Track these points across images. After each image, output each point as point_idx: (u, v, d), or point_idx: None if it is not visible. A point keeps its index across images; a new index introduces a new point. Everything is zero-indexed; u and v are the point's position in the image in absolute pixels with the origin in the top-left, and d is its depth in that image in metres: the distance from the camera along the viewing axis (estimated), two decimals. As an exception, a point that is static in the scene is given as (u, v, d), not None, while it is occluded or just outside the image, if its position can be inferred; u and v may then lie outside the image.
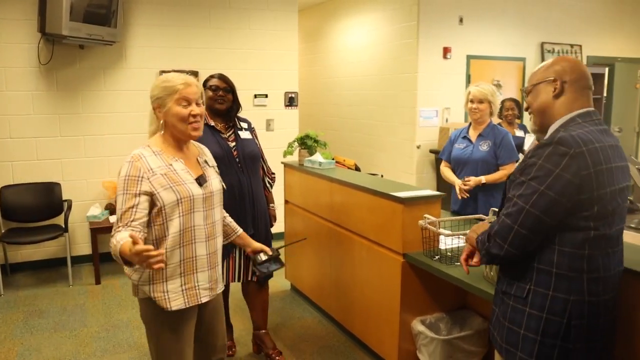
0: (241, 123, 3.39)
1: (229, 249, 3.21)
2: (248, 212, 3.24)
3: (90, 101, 5.35)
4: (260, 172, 3.46)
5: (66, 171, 5.32)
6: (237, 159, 3.23)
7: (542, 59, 7.39)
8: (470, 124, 3.93)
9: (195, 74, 5.68)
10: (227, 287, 3.45)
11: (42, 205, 5.11)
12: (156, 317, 2.18)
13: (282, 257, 2.70)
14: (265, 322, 3.62)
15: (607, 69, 8.12)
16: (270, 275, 3.02)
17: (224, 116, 3.31)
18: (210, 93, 3.25)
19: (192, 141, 2.32)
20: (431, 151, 6.63)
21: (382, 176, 4.88)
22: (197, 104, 2.18)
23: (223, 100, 3.26)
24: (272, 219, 3.54)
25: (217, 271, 2.31)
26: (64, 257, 5.07)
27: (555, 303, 1.71)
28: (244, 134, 3.34)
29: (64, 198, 5.22)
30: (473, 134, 3.84)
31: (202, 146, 2.45)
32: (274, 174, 3.61)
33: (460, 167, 3.85)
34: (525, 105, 1.97)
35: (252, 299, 3.54)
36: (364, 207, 3.43)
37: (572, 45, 7.60)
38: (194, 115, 2.15)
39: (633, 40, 8.26)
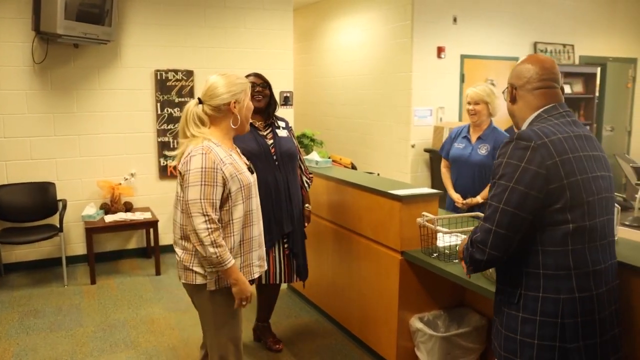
0: (279, 122, 3.42)
1: (267, 247, 3.20)
2: (284, 209, 3.26)
3: (84, 100, 5.33)
4: (298, 171, 3.46)
5: (61, 171, 5.29)
6: (275, 157, 3.26)
7: (535, 59, 7.42)
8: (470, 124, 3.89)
9: (190, 73, 5.68)
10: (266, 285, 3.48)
11: (37, 205, 5.09)
12: (225, 296, 2.35)
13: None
14: (269, 315, 3.72)
15: (599, 69, 8.17)
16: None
17: (262, 114, 3.34)
18: None
19: None
20: (426, 150, 6.65)
21: (378, 175, 4.89)
22: None
23: (261, 97, 3.30)
24: (306, 219, 3.53)
25: (263, 251, 2.54)
26: (59, 257, 5.04)
27: (546, 304, 1.70)
28: (282, 132, 3.37)
29: (58, 198, 5.19)
30: (473, 135, 3.80)
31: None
32: (311, 174, 3.61)
33: (458, 166, 3.84)
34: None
35: (266, 293, 3.60)
36: (362, 206, 3.44)
37: (564, 45, 7.65)
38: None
39: (625, 40, 8.33)
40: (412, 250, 3.04)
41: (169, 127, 5.65)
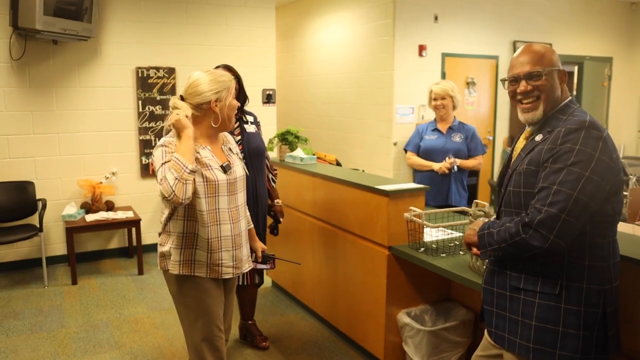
0: (247, 116, 3.36)
1: None
2: (251, 209, 3.21)
3: (64, 98, 5.24)
4: (265, 169, 3.43)
5: (40, 170, 5.20)
6: (243, 154, 3.18)
7: (515, 57, 7.51)
8: (435, 119, 4.16)
9: (172, 70, 5.62)
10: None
11: (16, 204, 4.98)
12: (184, 283, 2.38)
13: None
14: (253, 313, 3.70)
15: (576, 67, 8.32)
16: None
17: None
18: None
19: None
20: (408, 148, 6.69)
21: (363, 171, 4.90)
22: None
23: None
24: (279, 214, 3.51)
25: (242, 252, 2.48)
26: (39, 258, 4.95)
27: (591, 295, 1.71)
28: (250, 128, 3.31)
29: (38, 197, 5.10)
30: (442, 127, 4.09)
31: (227, 134, 2.60)
32: (275, 169, 3.59)
33: (433, 157, 4.04)
34: (526, 87, 1.81)
35: (242, 292, 3.57)
36: (348, 202, 3.45)
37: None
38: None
39: (600, 39, 8.48)
40: (400, 245, 3.05)
41: (150, 125, 5.59)
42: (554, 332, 1.73)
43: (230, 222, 2.39)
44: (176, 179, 2.12)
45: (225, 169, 2.39)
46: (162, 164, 2.20)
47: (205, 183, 2.30)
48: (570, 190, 1.62)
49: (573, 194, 1.61)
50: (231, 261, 2.42)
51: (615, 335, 1.77)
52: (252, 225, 2.74)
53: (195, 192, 2.27)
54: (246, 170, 2.57)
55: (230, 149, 2.52)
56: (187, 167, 2.16)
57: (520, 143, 1.93)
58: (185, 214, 2.33)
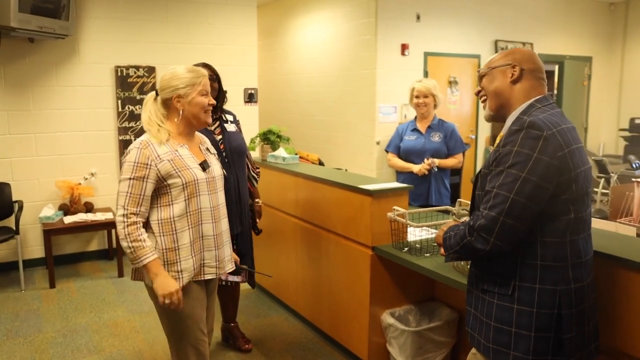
0: (226, 115, 3.30)
1: None
2: (233, 210, 3.15)
3: (41, 97, 5.13)
4: (246, 168, 3.37)
5: (16, 171, 5.08)
6: (224, 153, 3.14)
7: (496, 56, 7.56)
8: (415, 117, 4.15)
9: (152, 69, 5.54)
10: None
11: (-9, 206, 4.87)
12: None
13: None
14: (235, 315, 3.66)
15: (557, 67, 8.39)
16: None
17: None
18: None
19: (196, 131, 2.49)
20: (391, 147, 6.68)
21: (346, 171, 4.88)
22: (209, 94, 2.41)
23: (209, 89, 3.17)
24: (257, 214, 3.47)
25: (224, 251, 2.44)
26: (15, 261, 4.85)
27: (543, 296, 1.69)
28: (230, 127, 3.25)
29: (14, 199, 4.98)
30: (422, 126, 4.07)
31: (203, 135, 2.58)
32: (258, 168, 3.54)
33: (412, 158, 4.02)
34: (477, 89, 1.94)
35: (225, 293, 3.52)
36: (331, 201, 3.41)
37: (524, 43, 7.81)
38: (210, 105, 2.39)
39: (580, 39, 8.57)
40: (383, 245, 3.03)
41: (130, 124, 5.50)
42: (508, 333, 1.74)
43: (212, 222, 2.35)
44: (129, 246, 2.18)
45: (204, 166, 2.35)
46: (127, 193, 2.19)
47: (185, 185, 2.25)
48: (507, 193, 1.64)
49: (510, 195, 1.63)
50: (214, 261, 2.38)
51: (574, 338, 1.72)
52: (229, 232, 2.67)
53: (171, 198, 2.24)
54: (224, 171, 2.52)
55: (207, 149, 2.49)
56: (140, 259, 2.18)
57: (495, 145, 1.93)
58: (160, 230, 2.26)
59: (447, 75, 7.21)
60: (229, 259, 2.50)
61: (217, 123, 3.22)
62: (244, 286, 4.65)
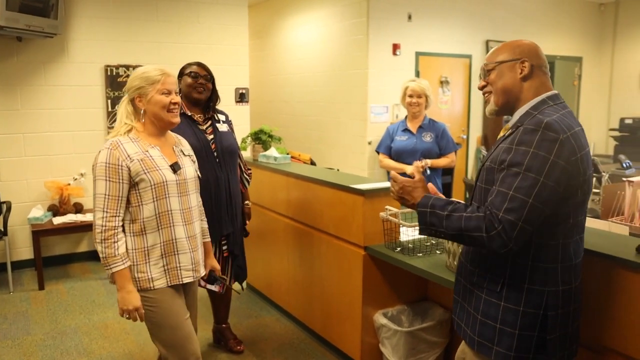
0: (219, 115, 3.27)
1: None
2: (224, 210, 3.14)
3: (30, 97, 5.07)
4: (238, 168, 3.35)
5: (4, 171, 5.02)
6: (215, 153, 3.11)
7: (488, 56, 7.58)
8: (405, 117, 4.16)
9: (142, 68, 5.49)
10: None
11: (-22, 207, 4.81)
12: (143, 300, 2.26)
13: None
14: (227, 316, 3.63)
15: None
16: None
17: (202, 106, 3.19)
18: (189, 80, 3.12)
19: (169, 131, 2.44)
20: (383, 147, 6.67)
21: (338, 170, 4.86)
22: (176, 93, 2.33)
23: (203, 89, 3.14)
24: (246, 216, 3.44)
25: (198, 254, 2.39)
26: (3, 263, 4.78)
27: (531, 296, 1.69)
28: (222, 127, 3.22)
29: (2, 200, 4.90)
30: (413, 126, 4.08)
31: (180, 137, 2.53)
32: (250, 170, 3.51)
33: (404, 158, 4.02)
34: (481, 83, 1.86)
35: (216, 295, 3.49)
36: (323, 201, 3.39)
37: (515, 43, 7.82)
38: (174, 103, 2.31)
39: (571, 39, 8.60)
40: (375, 245, 3.01)
41: (120, 124, 5.45)
42: (493, 328, 1.74)
43: (184, 224, 2.31)
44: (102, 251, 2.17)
45: (175, 168, 2.31)
46: (106, 196, 2.16)
47: (153, 186, 2.22)
48: (525, 197, 1.59)
49: (529, 200, 1.59)
50: (190, 264, 2.34)
51: (557, 339, 1.72)
52: (209, 239, 2.61)
53: (139, 199, 2.22)
54: (198, 173, 2.46)
55: (182, 151, 2.44)
56: (109, 266, 2.17)
57: (499, 137, 1.90)
58: (129, 230, 2.24)
59: (439, 75, 7.22)
60: (202, 263, 2.45)
61: (209, 122, 3.19)
62: (236, 287, 4.64)
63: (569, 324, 1.74)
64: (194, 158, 2.50)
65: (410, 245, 2.91)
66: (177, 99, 2.33)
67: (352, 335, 3.20)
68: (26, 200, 5.12)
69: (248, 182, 3.47)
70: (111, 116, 5.40)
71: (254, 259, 4.34)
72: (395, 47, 6.70)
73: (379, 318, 3.08)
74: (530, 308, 1.69)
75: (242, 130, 5.43)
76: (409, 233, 3.09)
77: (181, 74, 3.18)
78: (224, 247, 3.25)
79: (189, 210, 2.34)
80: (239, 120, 6.02)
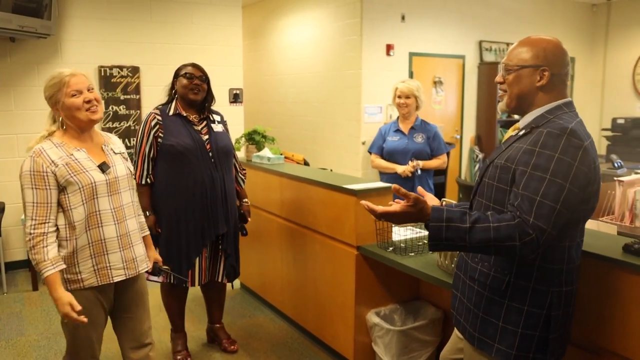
0: (214, 115, 3.29)
1: (199, 248, 3.16)
2: (219, 210, 3.15)
3: (23, 98, 5.07)
4: (233, 169, 3.36)
5: (-2, 172, 5.02)
6: (210, 153, 3.13)
7: (481, 57, 7.63)
8: (397, 118, 4.18)
9: (136, 69, 5.50)
10: (187, 288, 3.37)
11: (-28, 208, 4.80)
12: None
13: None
14: (221, 316, 3.64)
15: (540, 67, 8.45)
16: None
17: (197, 107, 3.21)
18: (184, 81, 3.13)
19: (99, 131, 2.43)
20: (377, 147, 6.69)
21: (331, 171, 4.88)
22: (89, 90, 2.28)
23: (198, 90, 3.15)
24: (247, 214, 3.46)
25: (133, 252, 2.37)
26: (-3, 263, 4.78)
27: (536, 295, 1.70)
28: (217, 127, 3.24)
29: (-5, 200, 4.92)
30: (404, 127, 4.11)
31: (111, 135, 2.52)
32: (244, 169, 3.52)
33: (396, 158, 4.04)
34: (499, 78, 1.83)
35: (211, 294, 3.51)
36: (316, 201, 3.41)
37: (508, 44, 7.87)
38: (89, 101, 2.26)
39: (563, 39, 8.50)
40: (368, 244, 3.03)
41: (114, 125, 5.46)
42: (495, 326, 1.75)
43: (115, 223, 2.30)
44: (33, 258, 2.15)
45: (103, 168, 2.29)
46: (34, 204, 2.15)
47: (82, 189, 2.20)
48: (553, 204, 1.57)
49: (557, 207, 1.58)
50: (121, 262, 2.32)
51: (559, 338, 1.74)
52: (148, 233, 2.59)
53: (69, 203, 2.19)
54: (130, 170, 2.43)
55: (112, 150, 2.41)
56: (41, 271, 2.15)
57: (508, 135, 1.91)
58: (66, 233, 2.22)
59: (432, 75, 7.25)
60: (142, 259, 2.43)
61: (205, 123, 3.21)
62: (229, 286, 4.65)
63: (567, 323, 1.78)
64: (126, 155, 2.48)
65: (402, 244, 2.93)
66: (91, 95, 2.26)
67: (345, 335, 3.22)
68: (20, 201, 5.09)
69: (243, 181, 3.48)
70: (105, 117, 5.40)
71: (247, 259, 4.35)
72: (389, 47, 6.73)
73: (372, 317, 3.10)
74: (535, 308, 1.71)
75: (235, 131, 5.44)
76: (401, 233, 3.12)
77: (176, 75, 3.20)
78: (220, 247, 3.27)
79: (121, 208, 2.33)
80: (232, 121, 6.02)
